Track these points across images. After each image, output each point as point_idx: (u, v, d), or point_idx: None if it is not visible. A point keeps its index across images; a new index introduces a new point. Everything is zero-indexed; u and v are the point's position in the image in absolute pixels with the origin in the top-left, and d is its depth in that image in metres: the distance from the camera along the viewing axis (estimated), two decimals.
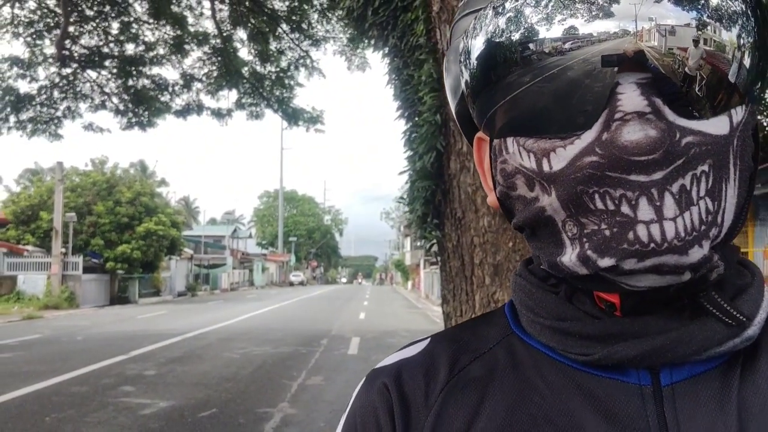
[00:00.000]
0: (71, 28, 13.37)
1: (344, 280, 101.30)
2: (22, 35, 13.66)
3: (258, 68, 12.65)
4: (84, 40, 13.87)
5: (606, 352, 0.50)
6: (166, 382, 8.65)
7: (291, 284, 71.83)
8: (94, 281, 29.18)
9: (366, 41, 10.21)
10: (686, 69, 0.45)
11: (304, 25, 10.80)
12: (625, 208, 0.46)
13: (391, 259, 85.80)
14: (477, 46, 0.51)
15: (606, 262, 0.47)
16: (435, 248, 3.57)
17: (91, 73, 14.40)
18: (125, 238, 30.34)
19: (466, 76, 0.53)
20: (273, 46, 12.21)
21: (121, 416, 6.69)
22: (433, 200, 3.35)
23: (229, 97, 14.08)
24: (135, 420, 6.53)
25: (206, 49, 13.74)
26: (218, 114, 14.28)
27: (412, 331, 16.64)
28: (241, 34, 12.37)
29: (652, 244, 0.45)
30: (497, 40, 0.50)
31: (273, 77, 12.60)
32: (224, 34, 12.93)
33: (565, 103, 0.47)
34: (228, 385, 8.37)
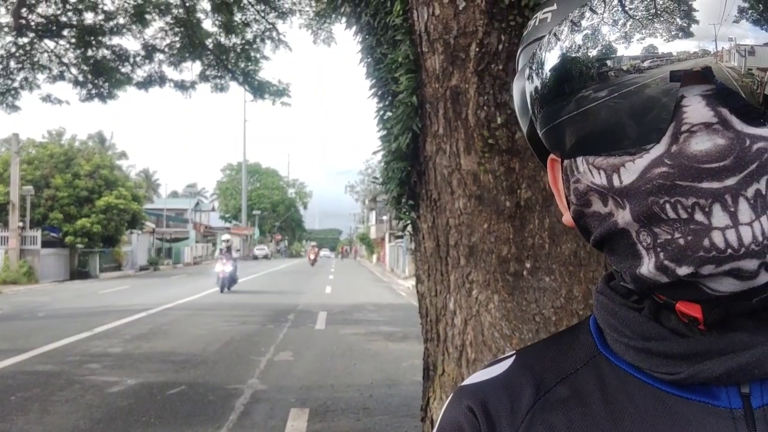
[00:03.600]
0: None
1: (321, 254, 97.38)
2: None
3: (222, 40, 12.42)
4: (41, 9, 13.42)
5: (692, 371, 0.50)
6: (133, 359, 8.58)
7: (255, 258, 71.38)
8: (53, 255, 28.60)
9: (337, 18, 10.09)
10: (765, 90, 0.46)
11: None
12: (698, 216, 0.46)
13: (356, 233, 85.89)
14: (551, 59, 0.52)
15: (684, 270, 0.47)
16: (409, 229, 3.59)
17: (49, 43, 13.96)
18: (85, 211, 29.73)
19: (536, 83, 0.54)
20: (238, 17, 11.97)
21: (88, 394, 6.63)
22: (408, 181, 3.36)
23: (192, 68, 13.78)
24: (103, 398, 6.48)
25: (168, 19, 13.41)
26: (181, 86, 14.00)
27: (379, 305, 16.76)
28: (205, 4, 12.09)
29: (729, 250, 0.45)
30: (573, 55, 0.51)
31: (238, 49, 12.39)
32: (187, 4, 12.62)
33: (634, 119, 0.48)
34: (196, 362, 8.36)
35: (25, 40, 13.84)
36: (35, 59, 14.30)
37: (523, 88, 0.58)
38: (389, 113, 3.68)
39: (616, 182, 0.49)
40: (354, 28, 4.29)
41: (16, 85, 14.53)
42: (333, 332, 11.16)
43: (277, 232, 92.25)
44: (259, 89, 13.75)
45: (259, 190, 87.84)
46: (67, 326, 11.62)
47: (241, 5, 11.41)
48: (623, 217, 0.50)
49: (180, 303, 16.55)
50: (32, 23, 13.37)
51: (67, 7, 13.56)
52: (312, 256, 45.68)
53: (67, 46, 14.13)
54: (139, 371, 7.75)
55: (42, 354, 8.90)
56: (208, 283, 26.08)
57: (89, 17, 13.68)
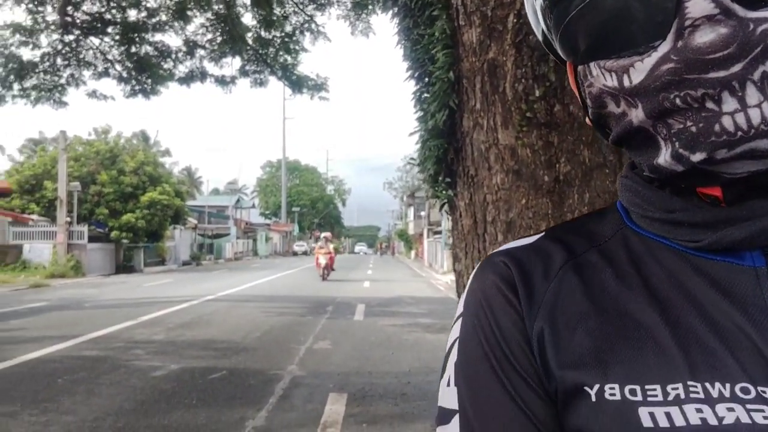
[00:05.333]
0: None
1: (357, 249, 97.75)
2: (24, 2, 13.51)
3: (262, 34, 12.54)
4: (86, 6, 13.72)
5: (715, 237, 0.52)
6: (176, 345, 8.76)
7: (295, 254, 72.10)
8: (100, 250, 29.33)
9: (373, 3, 10.09)
10: None
11: None
12: (709, 104, 0.47)
13: (394, 229, 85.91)
14: None
15: (698, 156, 0.48)
16: (446, 208, 3.58)
17: (94, 40, 14.26)
18: (129, 207, 30.43)
19: None
20: (277, 11, 12.07)
21: (133, 378, 6.79)
22: (445, 159, 3.35)
23: (232, 64, 13.96)
24: (147, 381, 6.63)
25: (209, 15, 13.61)
26: (222, 81, 14.18)
27: (417, 297, 16.76)
28: None
29: (740, 132, 0.46)
30: None
31: (277, 42, 12.50)
32: (227, 0, 12.80)
33: (638, 17, 0.49)
34: (237, 349, 8.49)
35: (71, 37, 14.17)
36: (81, 56, 14.60)
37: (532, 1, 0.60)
38: (426, 93, 3.69)
39: (626, 83, 0.51)
40: (391, 11, 4.30)
41: (62, 81, 14.84)
42: (371, 323, 11.20)
43: (316, 229, 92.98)
44: (298, 84, 13.83)
45: (298, 187, 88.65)
46: (113, 315, 11.92)
47: None
48: (636, 115, 0.51)
49: (221, 295, 16.82)
50: (77, 21, 13.67)
51: (111, 4, 13.82)
52: (323, 262, 24.83)
53: (112, 43, 14.40)
54: (181, 357, 7.91)
55: (88, 340, 9.14)
56: (249, 276, 26.42)
57: (132, 14, 13.93)
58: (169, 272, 30.97)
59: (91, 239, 28.56)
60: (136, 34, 14.09)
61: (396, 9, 4.15)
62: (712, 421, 0.46)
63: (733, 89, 0.46)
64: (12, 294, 17.95)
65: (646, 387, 0.49)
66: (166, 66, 14.52)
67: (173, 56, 14.33)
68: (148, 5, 13.77)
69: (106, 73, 14.74)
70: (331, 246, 26.01)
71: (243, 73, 13.86)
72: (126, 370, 7.20)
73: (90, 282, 23.64)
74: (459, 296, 3.39)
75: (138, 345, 8.79)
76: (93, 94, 15.20)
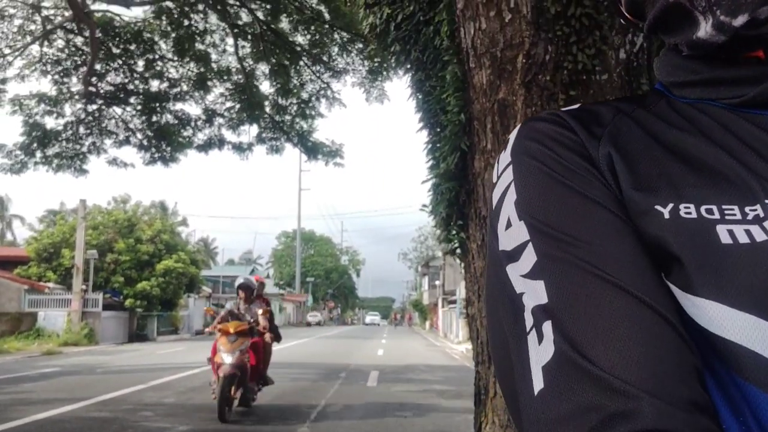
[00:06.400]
0: (98, 66, 13.64)
1: (368, 319, 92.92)
2: (50, 73, 13.96)
3: (279, 101, 12.86)
4: (110, 77, 14.16)
5: (761, 89, 0.51)
6: (186, 408, 8.61)
7: (308, 324, 71.45)
8: (114, 318, 29.27)
9: (387, 70, 10.35)
10: None
11: (324, 58, 11.03)
12: None
13: (408, 300, 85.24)
14: None
15: (740, 20, 0.48)
16: (458, 252, 3.58)
17: (116, 110, 14.61)
18: (145, 275, 30.53)
19: None
20: (294, 80, 12.42)
21: None
22: (457, 201, 3.37)
23: (249, 131, 14.25)
24: None
25: (228, 85, 14.01)
26: (239, 148, 14.45)
27: (432, 366, 16.45)
28: (263, 68, 12.58)
29: None
30: None
31: (294, 110, 12.80)
32: (246, 70, 13.20)
33: None
34: (248, 412, 8.31)
35: (94, 106, 14.49)
36: (103, 125, 14.86)
37: None
38: (438, 143, 3.74)
39: None
40: (404, 67, 4.42)
41: (84, 149, 15.01)
42: (385, 389, 10.98)
43: (330, 299, 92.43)
44: (313, 150, 14.08)
45: (312, 257, 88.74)
46: (124, 380, 11.79)
47: (298, 67, 11.86)
48: None
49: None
50: (101, 91, 14.06)
51: (134, 75, 14.21)
52: (227, 361, 7.37)
53: (133, 112, 14.70)
54: (190, 419, 7.76)
55: (98, 402, 9.02)
56: None
57: (154, 85, 14.30)
58: (181, 341, 30.75)
59: (106, 307, 28.55)
60: (157, 104, 14.42)
61: (409, 64, 4.28)
62: None
63: None
64: (25, 360, 17.87)
65: (724, 207, 0.47)
66: (185, 134, 14.79)
67: (192, 124, 14.63)
68: (170, 76, 14.16)
69: (126, 141, 14.95)
70: (259, 313, 8.49)
71: (260, 140, 14.15)
72: (134, 430, 7.06)
73: (102, 350, 23.50)
74: (474, 345, 3.29)
75: (147, 407, 8.65)
76: (113, 161, 15.41)
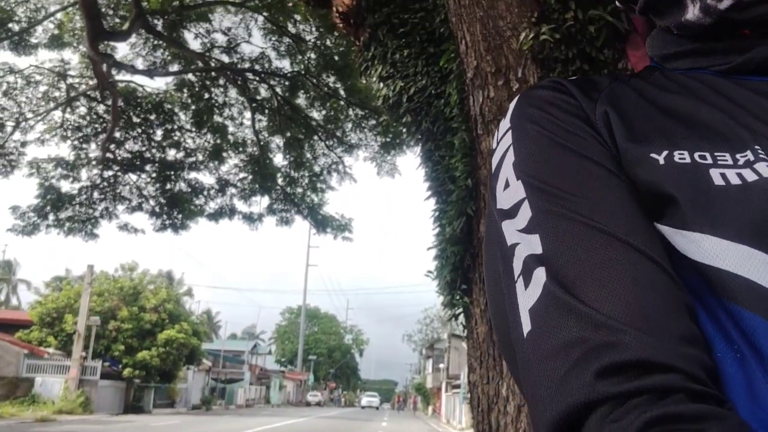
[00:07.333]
0: (117, 134, 13.95)
1: (365, 401, 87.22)
2: (70, 138, 14.27)
3: (292, 173, 13.06)
4: (128, 145, 14.46)
5: (748, 55, 0.55)
6: None
7: (308, 404, 69.79)
8: (111, 388, 28.76)
9: (398, 146, 10.56)
10: None
11: (338, 134, 11.31)
12: None
13: (411, 383, 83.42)
14: None
15: (726, 3, 0.52)
16: (462, 318, 3.57)
17: (132, 176, 14.83)
18: (146, 344, 30.16)
19: None
20: (308, 153, 12.66)
21: None
22: (461, 265, 3.39)
23: (261, 202, 14.40)
24: None
25: (243, 156, 14.27)
26: (249, 218, 14.56)
27: None
28: (278, 141, 12.85)
29: None
30: None
31: (305, 183, 12.98)
32: (261, 143, 13.49)
33: None
34: None
35: (110, 173, 14.70)
36: (117, 191, 15.01)
37: None
38: (445, 210, 3.80)
39: None
40: (414, 137, 4.55)
41: (96, 214, 15.10)
42: None
43: (331, 379, 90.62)
44: (323, 223, 14.18)
45: (316, 334, 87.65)
46: None
47: (312, 141, 12.14)
48: None
49: None
50: (118, 158, 14.31)
51: (152, 144, 14.49)
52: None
53: (148, 179, 14.89)
54: None
55: None
56: (258, 421, 25.52)
57: (171, 154, 14.56)
58: (178, 414, 30.04)
59: (104, 376, 28.10)
60: (172, 172, 14.62)
61: (420, 135, 4.40)
62: None
63: None
64: (17, 426, 17.49)
65: (716, 153, 0.50)
66: (197, 202, 14.93)
67: (205, 193, 14.79)
68: (187, 146, 14.43)
69: (139, 208, 15.05)
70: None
71: (270, 211, 14.27)
72: None
73: (96, 419, 22.99)
74: (475, 414, 3.24)
75: None
76: (124, 227, 15.44)
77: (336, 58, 10.39)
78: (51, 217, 14.82)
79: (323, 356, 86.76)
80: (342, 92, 10.74)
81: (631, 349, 0.41)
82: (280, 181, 13.45)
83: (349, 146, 11.63)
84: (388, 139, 9.86)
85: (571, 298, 0.45)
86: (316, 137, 11.94)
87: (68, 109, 13.98)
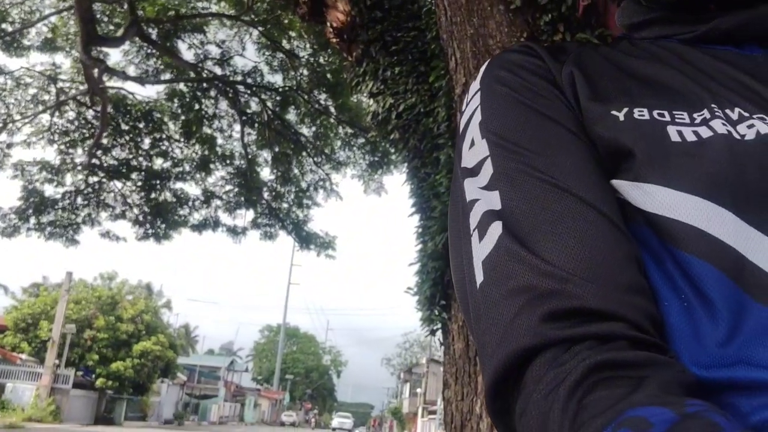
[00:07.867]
0: (105, 140, 13.88)
1: (336, 422, 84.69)
2: (57, 142, 14.17)
3: (278, 188, 13.07)
4: (115, 152, 14.38)
5: (711, 24, 0.58)
6: None
7: (282, 424, 68.94)
8: (82, 398, 28.30)
9: (385, 165, 10.61)
10: None
11: (327, 151, 11.35)
12: None
13: (388, 407, 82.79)
14: None
15: None
16: (439, 334, 3.57)
17: (117, 183, 14.74)
18: (121, 355, 29.76)
19: None
20: (295, 169, 12.68)
21: None
22: (441, 281, 3.41)
23: (245, 215, 14.36)
24: None
25: (230, 168, 14.26)
26: (233, 231, 14.50)
27: None
28: (266, 155, 12.87)
29: None
30: None
31: (291, 198, 12.99)
32: (249, 156, 13.49)
33: None
34: None
35: (95, 179, 14.59)
36: (101, 197, 14.88)
37: None
38: (428, 226, 3.83)
39: None
40: (402, 154, 4.58)
41: (79, 220, 14.94)
42: None
43: (307, 400, 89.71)
44: (306, 240, 14.14)
45: (294, 354, 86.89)
46: None
47: (300, 157, 12.16)
48: None
49: None
50: (105, 164, 14.22)
51: (140, 152, 14.42)
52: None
53: (134, 187, 14.79)
54: None
55: None
56: None
57: (158, 163, 14.50)
58: (149, 428, 29.57)
59: (76, 385, 27.66)
60: (158, 181, 14.55)
61: (407, 152, 4.43)
62: (736, 135, 0.49)
63: None
64: None
65: (674, 112, 0.53)
66: (181, 212, 14.84)
67: (190, 204, 14.72)
68: (174, 156, 14.39)
69: (122, 215, 14.92)
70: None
71: (255, 225, 14.23)
72: None
73: (66, 429, 22.58)
74: (448, 430, 3.24)
75: None
76: (106, 234, 15.29)
77: (328, 75, 10.47)
78: (32, 220, 14.65)
79: (300, 376, 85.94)
80: (332, 110, 10.81)
81: (576, 297, 0.43)
82: (266, 195, 13.44)
83: (337, 163, 11.67)
84: (376, 158, 9.92)
85: (522, 249, 0.46)
86: (304, 153, 11.96)
87: (57, 113, 13.90)
